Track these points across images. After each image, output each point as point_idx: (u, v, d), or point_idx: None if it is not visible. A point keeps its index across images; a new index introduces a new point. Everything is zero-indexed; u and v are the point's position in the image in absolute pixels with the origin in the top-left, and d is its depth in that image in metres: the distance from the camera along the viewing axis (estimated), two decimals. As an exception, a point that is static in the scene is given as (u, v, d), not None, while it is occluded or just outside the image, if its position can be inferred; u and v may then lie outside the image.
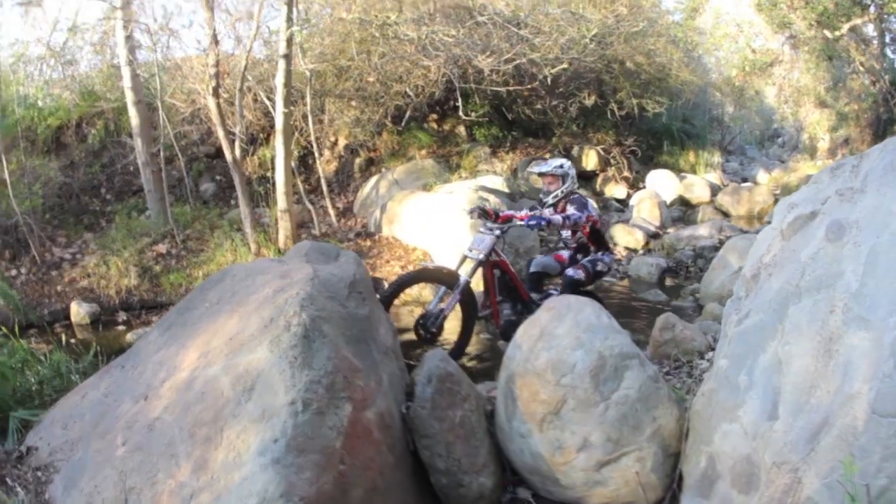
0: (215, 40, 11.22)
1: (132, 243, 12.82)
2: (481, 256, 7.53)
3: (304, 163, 15.49)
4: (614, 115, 17.50)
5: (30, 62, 18.05)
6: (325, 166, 13.84)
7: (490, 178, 14.65)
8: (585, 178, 17.81)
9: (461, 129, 16.64)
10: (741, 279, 4.85)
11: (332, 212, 13.87)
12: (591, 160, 18.07)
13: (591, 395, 4.53)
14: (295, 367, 4.18)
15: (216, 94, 11.27)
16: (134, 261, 12.63)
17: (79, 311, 11.88)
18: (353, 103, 14.29)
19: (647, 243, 14.19)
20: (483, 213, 8.12)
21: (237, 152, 11.74)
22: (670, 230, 15.09)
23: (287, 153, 11.61)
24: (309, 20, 12.99)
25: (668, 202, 17.23)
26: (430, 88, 14.33)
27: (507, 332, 7.18)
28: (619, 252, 13.80)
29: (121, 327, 11.45)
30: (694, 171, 20.27)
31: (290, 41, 10.88)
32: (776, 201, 16.36)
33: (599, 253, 8.23)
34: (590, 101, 16.58)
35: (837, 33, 22.16)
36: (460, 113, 15.10)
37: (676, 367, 6.22)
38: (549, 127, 17.76)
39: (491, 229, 7.74)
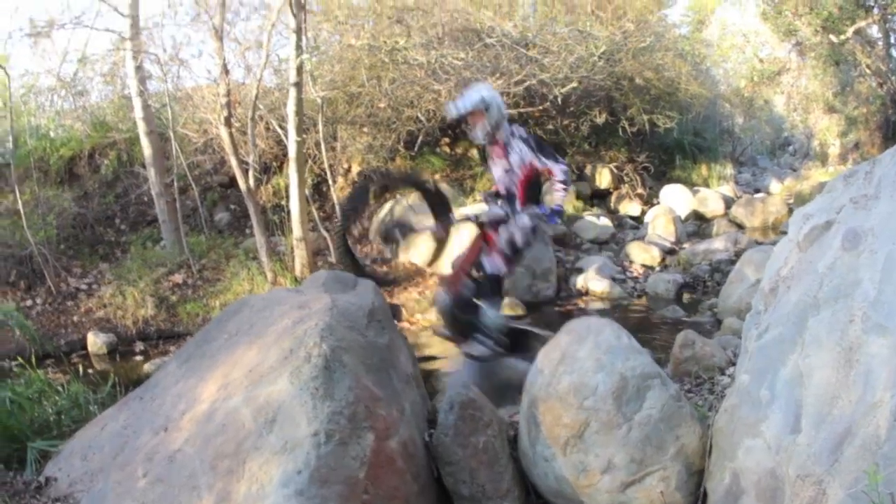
0: (226, 70, 11.27)
1: (148, 273, 12.87)
2: (484, 218, 7.06)
3: (318, 190, 15.49)
4: (626, 132, 17.45)
5: (40, 93, 18.20)
6: (339, 193, 13.83)
7: (506, 200, 14.50)
8: (599, 196, 17.85)
9: (474, 153, 16.63)
10: (759, 293, 4.83)
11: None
12: (604, 178, 18.09)
13: (613, 417, 4.50)
14: (316, 398, 4.16)
15: (228, 123, 11.31)
16: (150, 291, 12.66)
17: (95, 342, 11.87)
18: (366, 129, 14.32)
19: (663, 259, 14.12)
20: (495, 196, 7.39)
21: (251, 181, 11.76)
22: (686, 245, 15.03)
23: (301, 181, 11.59)
24: (318, 47, 13.03)
25: (683, 217, 17.14)
26: (441, 113, 14.35)
27: (456, 308, 6.83)
28: (636, 270, 13.75)
29: (138, 357, 11.45)
30: (707, 185, 20.19)
31: (300, 69, 10.90)
32: (790, 211, 16.39)
33: (527, 208, 7.15)
34: (601, 119, 16.55)
35: (843, 37, 22.25)
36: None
37: (697, 385, 6.19)
38: (560, 147, 17.57)
39: (503, 209, 7.13)
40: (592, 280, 12.57)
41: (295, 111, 10.93)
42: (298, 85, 10.93)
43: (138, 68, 13.34)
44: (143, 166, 14.79)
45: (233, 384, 4.61)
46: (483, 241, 7.16)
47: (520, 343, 7.25)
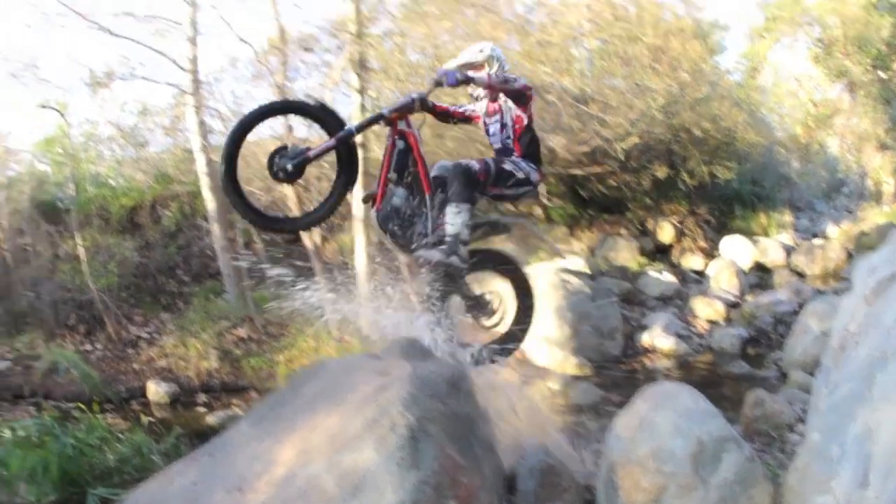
0: (289, 127, 11.40)
1: (211, 325, 12.95)
2: (384, 111, 6.09)
3: (382, 247, 15.38)
4: (685, 184, 17.41)
5: (100, 141, 18.49)
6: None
7: (571, 259, 14.61)
8: (661, 251, 17.82)
9: (537, 210, 16.68)
10: (829, 350, 4.88)
11: (414, 298, 13.61)
12: (666, 233, 18.08)
13: (691, 481, 4.54)
14: (403, 467, 4.20)
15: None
16: (213, 343, 12.73)
17: (157, 391, 12.02)
18: (432, 188, 14.32)
19: (727, 314, 14.09)
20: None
21: (316, 239, 11.81)
22: (748, 298, 14.98)
23: (366, 239, 11.64)
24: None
25: (745, 268, 17.05)
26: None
27: (387, 222, 6.15)
28: (701, 325, 13.72)
29: (201, 409, 11.59)
30: (766, 234, 20.07)
31: (362, 129, 10.99)
32: (849, 256, 16.28)
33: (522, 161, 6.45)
34: (661, 173, 16.58)
35: (892, 73, 22.13)
36: (554, 200, 15.20)
37: (768, 443, 6.22)
38: (622, 202, 17.78)
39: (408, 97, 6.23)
40: (658, 337, 12.56)
41: (361, 170, 10.98)
42: (363, 145, 11.00)
43: (201, 123, 13.55)
44: (206, 219, 14.97)
45: (314, 450, 4.61)
46: (393, 139, 6.23)
47: (483, 262, 6.81)
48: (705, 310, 14.29)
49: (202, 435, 9.49)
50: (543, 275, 12.85)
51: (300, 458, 4.64)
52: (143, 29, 18.56)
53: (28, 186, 18.46)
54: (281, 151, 5.80)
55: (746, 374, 10.93)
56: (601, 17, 15.15)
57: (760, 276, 17.33)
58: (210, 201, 13.81)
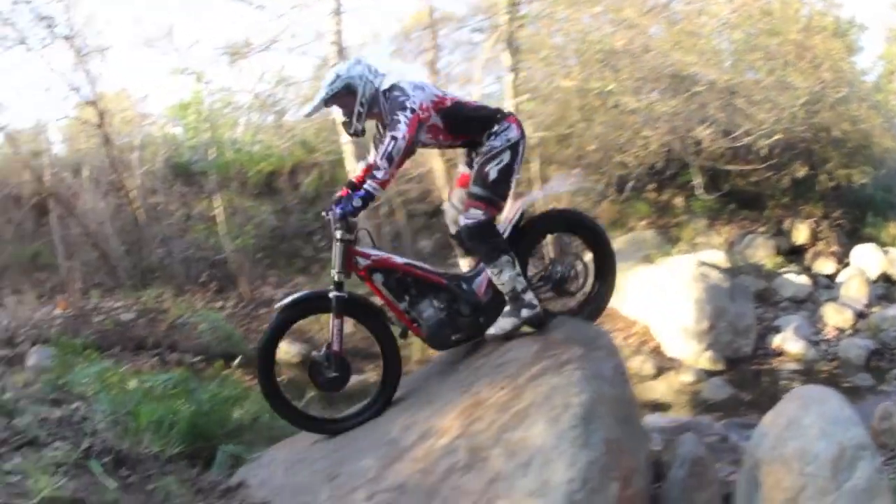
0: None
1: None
2: (333, 273, 5.41)
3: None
4: (822, 186, 17.17)
5: (238, 109, 18.90)
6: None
7: (710, 252, 14.57)
8: (794, 252, 17.53)
9: (678, 201, 16.64)
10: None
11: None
12: (800, 234, 17.73)
13: (827, 484, 4.51)
14: (575, 446, 4.24)
15: (444, 156, 11.50)
16: (347, 307, 12.77)
17: (288, 350, 12.36)
18: (575, 171, 14.33)
19: (854, 323, 13.88)
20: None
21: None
22: (875, 309, 14.69)
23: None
24: (535, 88, 13.15)
25: (872, 278, 16.64)
26: (649, 159, 14.35)
27: (439, 337, 5.62)
28: (830, 332, 13.56)
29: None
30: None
31: (516, 108, 11.01)
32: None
33: (491, 140, 5.51)
34: (801, 173, 16.43)
35: None
36: (701, 191, 15.10)
37: (892, 457, 6.23)
38: (761, 199, 17.60)
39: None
40: (789, 340, 12.46)
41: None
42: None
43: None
44: (346, 187, 15.09)
45: (479, 422, 4.71)
46: (368, 279, 5.57)
47: (555, 223, 6.22)
48: (835, 317, 14.03)
49: (330, 398, 9.71)
50: (685, 266, 12.91)
51: (463, 430, 4.72)
52: (283, 1, 18.85)
53: (162, 149, 18.98)
54: (314, 368, 5.60)
55: (870, 386, 10.86)
56: (745, 10, 15.00)
57: (887, 288, 16.86)
58: (353, 171, 13.62)
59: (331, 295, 5.42)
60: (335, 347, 5.53)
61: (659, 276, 12.89)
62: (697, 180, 16.26)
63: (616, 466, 4.39)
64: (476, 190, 5.47)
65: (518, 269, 5.45)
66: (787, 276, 15.57)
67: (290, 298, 5.69)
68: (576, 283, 5.94)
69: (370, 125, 5.56)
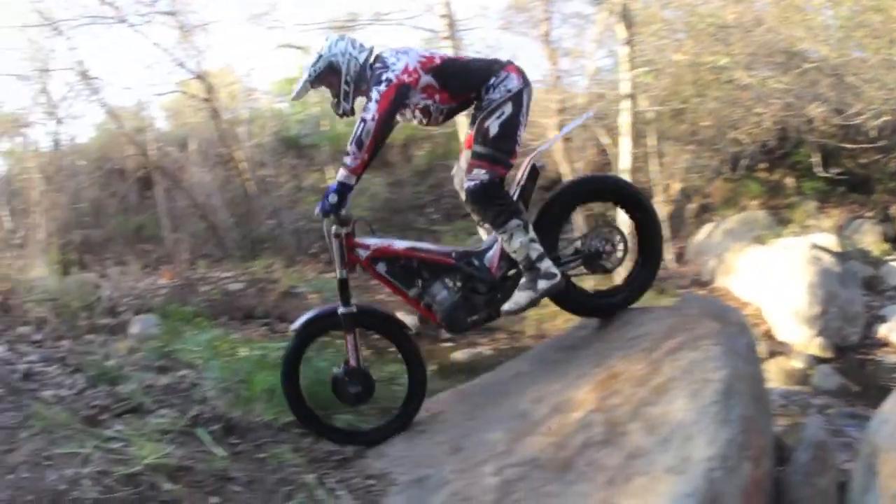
0: (558, 76, 11.42)
1: None
2: (337, 271, 5.23)
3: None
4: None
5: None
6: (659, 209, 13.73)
7: (822, 235, 14.17)
8: (898, 239, 17.05)
9: (789, 181, 16.32)
10: None
11: (669, 256, 13.66)
12: (908, 221, 17.20)
13: None
14: (716, 422, 4.14)
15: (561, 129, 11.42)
16: (463, 281, 12.79)
17: (406, 322, 12.19)
18: (689, 147, 14.14)
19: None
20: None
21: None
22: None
23: None
24: (650, 61, 12.99)
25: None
26: (762, 136, 14.09)
27: (455, 321, 5.34)
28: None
29: (445, 344, 11.87)
30: None
31: (632, 82, 10.91)
32: None
33: (487, 93, 5.18)
34: (909, 157, 15.89)
35: None
36: (819, 169, 14.79)
37: None
38: (868, 182, 17.19)
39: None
40: (895, 331, 12.11)
41: (630, 123, 10.96)
42: (633, 97, 10.93)
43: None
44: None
45: (615, 396, 4.63)
46: (373, 270, 5.39)
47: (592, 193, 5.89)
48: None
49: (445, 370, 9.66)
50: (797, 249, 12.61)
51: (599, 404, 4.64)
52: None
53: (270, 122, 19.20)
54: (337, 385, 5.42)
55: None
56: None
57: None
58: None
59: (339, 312, 5.24)
60: (353, 363, 5.35)
61: (771, 258, 12.65)
62: (815, 158, 15.95)
63: (750, 445, 4.30)
64: (477, 148, 5.16)
65: (532, 233, 5.13)
66: (893, 263, 15.07)
67: (301, 320, 5.49)
68: (612, 259, 5.58)
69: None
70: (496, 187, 5.11)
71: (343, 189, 5.02)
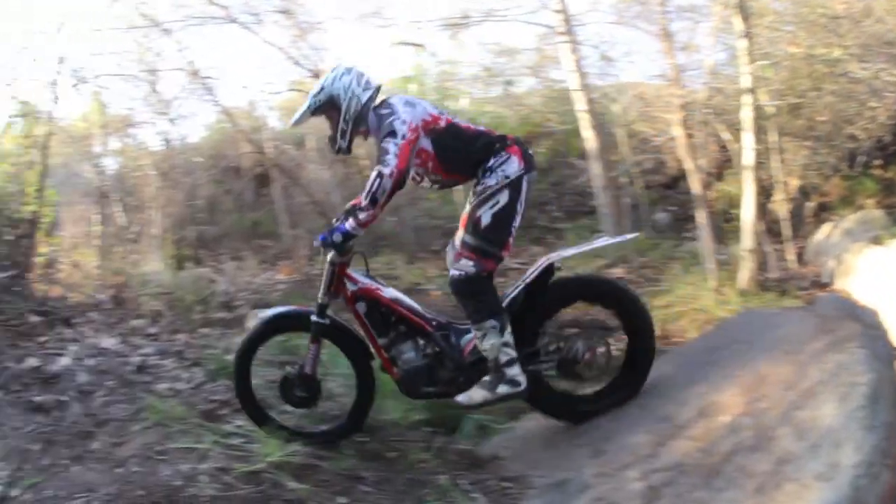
0: (678, 71, 11.37)
1: (585, 263, 12.79)
2: (320, 295, 5.21)
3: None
4: None
5: (462, 80, 19.12)
6: (775, 207, 13.49)
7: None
8: None
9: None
10: None
11: (790, 256, 13.35)
12: None
13: None
14: (863, 428, 4.07)
15: (685, 125, 11.46)
16: (594, 279, 12.76)
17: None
18: (806, 143, 13.93)
19: None
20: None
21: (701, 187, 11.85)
22: None
23: (755, 190, 11.24)
24: (768, 54, 12.79)
25: None
26: (877, 132, 13.82)
27: (412, 385, 5.23)
28: None
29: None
30: None
31: (752, 76, 10.82)
32: None
33: (487, 176, 4.99)
34: None
35: None
36: None
37: None
38: None
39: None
40: None
41: (752, 118, 10.88)
42: (753, 91, 10.83)
43: (578, 63, 13.73)
44: (581, 158, 15.28)
45: (763, 399, 4.61)
46: (353, 305, 5.32)
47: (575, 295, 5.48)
48: None
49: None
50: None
51: (747, 408, 4.60)
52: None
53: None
54: (285, 383, 5.40)
55: None
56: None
57: None
58: (590, 140, 13.85)
59: (312, 319, 5.21)
60: (307, 370, 5.31)
61: (888, 259, 12.40)
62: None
63: (890, 453, 4.21)
64: (467, 238, 4.96)
65: (507, 337, 4.92)
66: None
67: (273, 311, 5.61)
68: (589, 371, 5.32)
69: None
70: (482, 282, 4.93)
71: (349, 237, 4.93)
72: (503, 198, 4.88)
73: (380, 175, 4.73)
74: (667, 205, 16.03)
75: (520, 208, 4.95)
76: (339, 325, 5.37)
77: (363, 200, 4.78)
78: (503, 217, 4.89)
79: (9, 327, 7.19)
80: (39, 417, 5.59)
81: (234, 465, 4.65)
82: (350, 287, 5.17)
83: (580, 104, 13.76)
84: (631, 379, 5.40)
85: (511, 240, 4.99)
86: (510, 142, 5.09)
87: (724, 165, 14.46)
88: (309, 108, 5.08)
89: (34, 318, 7.66)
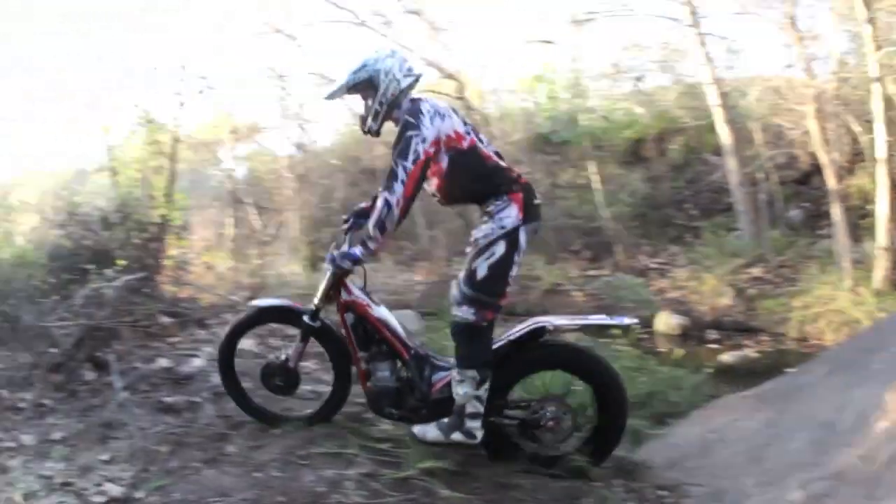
0: (808, 60, 11.28)
1: (723, 262, 13.19)
2: (316, 298, 5.15)
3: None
4: None
5: (593, 78, 19.20)
6: None
7: None
8: None
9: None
10: None
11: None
12: None
13: None
14: None
15: (820, 118, 11.54)
16: (728, 280, 12.90)
17: (669, 322, 12.49)
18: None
19: None
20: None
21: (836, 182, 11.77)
22: None
23: (888, 184, 11.12)
24: (889, 40, 12.50)
25: None
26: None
27: (378, 402, 5.12)
28: None
29: (712, 346, 11.80)
30: None
31: (878, 63, 10.79)
32: None
33: (485, 222, 4.74)
34: None
35: None
36: None
37: None
38: None
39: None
40: None
41: (883, 108, 10.82)
42: (881, 80, 10.75)
43: (709, 56, 13.86)
44: (714, 154, 15.37)
45: None
46: (342, 313, 5.23)
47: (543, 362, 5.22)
48: None
49: (718, 373, 9.22)
50: None
51: None
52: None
53: (520, 119, 19.49)
54: (266, 370, 5.35)
55: None
56: None
57: None
58: (725, 135, 13.96)
59: (304, 320, 5.18)
60: (291, 364, 5.29)
61: None
62: None
63: None
64: (465, 288, 4.73)
65: (482, 391, 4.76)
66: None
67: (265, 301, 5.75)
68: (549, 437, 5.01)
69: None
70: (482, 332, 4.78)
71: (358, 262, 4.85)
72: (499, 249, 4.66)
73: (387, 204, 4.58)
74: (799, 201, 15.69)
75: (517, 258, 4.73)
76: (329, 329, 5.40)
77: (371, 229, 4.67)
78: (499, 269, 4.69)
79: (138, 328, 7.07)
80: (169, 418, 5.58)
81: (383, 471, 4.59)
82: (344, 296, 5.11)
83: (713, 98, 13.87)
84: (605, 433, 5.07)
85: (507, 288, 4.78)
86: (517, 188, 4.80)
87: (855, 159, 14.06)
88: (346, 83, 4.83)
89: (165, 320, 7.60)
